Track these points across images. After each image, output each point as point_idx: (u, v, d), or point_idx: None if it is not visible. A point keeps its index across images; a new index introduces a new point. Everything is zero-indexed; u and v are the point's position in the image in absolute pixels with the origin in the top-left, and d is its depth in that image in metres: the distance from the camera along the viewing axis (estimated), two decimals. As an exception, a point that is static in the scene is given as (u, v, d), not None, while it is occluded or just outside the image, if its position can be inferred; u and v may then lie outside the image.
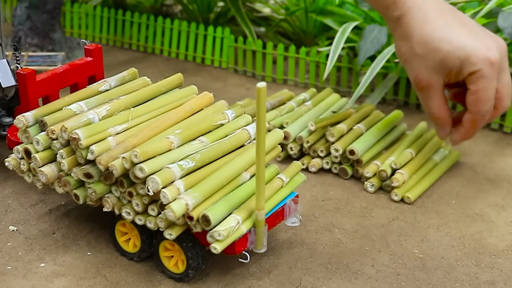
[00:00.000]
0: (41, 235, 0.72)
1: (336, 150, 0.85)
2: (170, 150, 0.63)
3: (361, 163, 0.84)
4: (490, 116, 0.78)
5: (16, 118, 0.67)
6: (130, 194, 0.62)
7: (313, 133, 0.88)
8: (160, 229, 0.62)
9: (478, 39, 0.75)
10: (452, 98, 0.83)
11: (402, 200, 0.81)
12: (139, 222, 0.63)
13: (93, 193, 0.64)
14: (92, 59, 0.79)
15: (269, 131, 0.74)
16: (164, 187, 0.59)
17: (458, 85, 0.80)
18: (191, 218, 0.60)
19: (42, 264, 0.67)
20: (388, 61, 1.07)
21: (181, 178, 0.61)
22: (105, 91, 0.73)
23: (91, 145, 0.62)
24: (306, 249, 0.71)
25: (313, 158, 0.88)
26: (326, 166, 0.87)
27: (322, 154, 0.87)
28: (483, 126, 0.79)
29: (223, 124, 0.69)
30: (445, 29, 0.75)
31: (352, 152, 0.84)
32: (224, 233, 0.59)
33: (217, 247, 0.59)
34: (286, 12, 1.32)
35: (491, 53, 0.74)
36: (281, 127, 0.91)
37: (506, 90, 0.77)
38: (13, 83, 0.81)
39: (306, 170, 0.87)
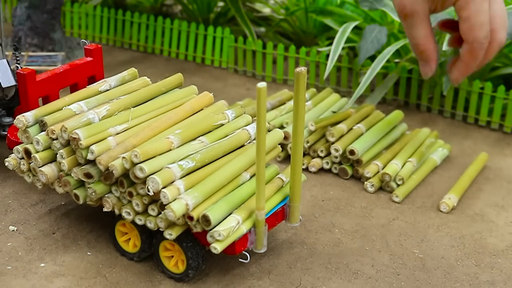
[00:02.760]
0: (41, 235, 0.72)
1: (336, 150, 0.85)
2: (170, 150, 0.63)
3: (361, 163, 0.84)
4: (488, 51, 0.74)
5: (16, 118, 0.67)
6: (130, 194, 0.62)
7: (313, 133, 0.88)
8: (160, 229, 0.62)
9: None
10: (441, 27, 0.78)
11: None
12: (139, 222, 0.63)
13: (93, 193, 0.64)
14: (92, 59, 0.79)
15: (269, 131, 0.74)
16: (164, 187, 0.59)
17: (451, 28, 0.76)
18: (191, 218, 0.60)
19: (42, 264, 0.67)
20: (388, 61, 1.07)
21: (181, 178, 0.61)
22: (105, 91, 0.73)
23: (91, 145, 0.62)
24: (306, 249, 0.71)
25: (313, 158, 0.88)
26: (326, 166, 0.87)
27: (322, 154, 0.87)
28: (483, 60, 0.74)
29: (223, 124, 0.69)
30: None
31: (352, 152, 0.84)
32: (224, 233, 0.59)
33: (217, 247, 0.59)
34: (286, 12, 1.32)
35: None
36: (281, 127, 0.91)
37: (500, 20, 0.73)
38: (13, 83, 0.81)
39: (306, 170, 0.87)
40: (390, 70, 1.08)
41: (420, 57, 0.75)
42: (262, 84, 0.56)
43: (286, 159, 0.90)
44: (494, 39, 0.73)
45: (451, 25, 0.75)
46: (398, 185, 0.83)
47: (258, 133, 0.58)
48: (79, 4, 1.36)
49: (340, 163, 0.86)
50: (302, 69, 0.59)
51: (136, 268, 0.67)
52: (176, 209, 0.58)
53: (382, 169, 0.84)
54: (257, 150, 0.59)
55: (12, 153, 0.69)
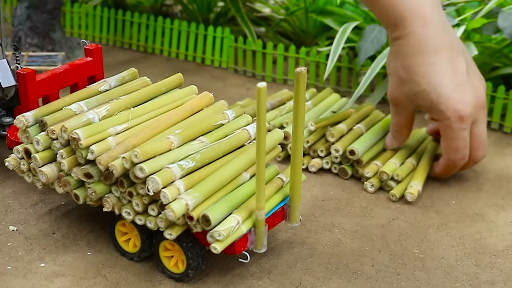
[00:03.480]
0: (41, 235, 0.72)
1: (336, 151, 0.85)
2: (170, 150, 0.63)
3: (361, 163, 0.84)
4: (465, 165, 0.82)
5: (16, 118, 0.67)
6: (130, 194, 0.62)
7: (313, 133, 0.88)
8: (160, 229, 0.62)
9: (458, 88, 0.76)
10: (432, 133, 0.89)
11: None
12: (139, 222, 0.63)
13: (93, 193, 0.64)
14: (92, 59, 0.79)
15: (269, 131, 0.74)
16: (164, 187, 0.59)
17: None
18: (191, 218, 0.60)
19: (42, 264, 0.67)
20: (388, 61, 1.07)
21: (181, 178, 0.61)
22: (105, 91, 0.73)
23: (91, 145, 0.62)
24: (306, 249, 0.71)
25: (313, 158, 0.88)
26: (326, 166, 0.87)
27: (322, 154, 0.87)
28: (460, 169, 0.84)
29: (223, 124, 0.69)
30: (431, 68, 0.77)
31: (352, 153, 0.84)
32: (224, 233, 0.59)
33: (217, 247, 0.59)
34: (286, 12, 1.32)
35: (462, 107, 0.76)
36: (281, 127, 0.91)
37: (478, 142, 0.80)
38: (13, 83, 0.81)
39: (306, 170, 0.87)
40: (390, 70, 1.08)
41: (392, 134, 0.86)
42: (262, 84, 0.56)
43: (286, 159, 0.90)
44: (471, 156, 0.81)
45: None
46: (398, 182, 0.83)
47: (258, 133, 0.58)
48: (79, 4, 1.36)
49: (340, 163, 0.86)
50: (302, 69, 0.59)
51: (136, 268, 0.67)
52: (176, 209, 0.58)
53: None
54: (257, 150, 0.59)
55: (12, 153, 0.69)
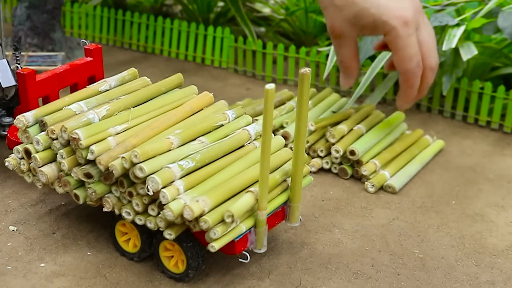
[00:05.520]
0: (41, 235, 0.72)
1: (337, 151, 0.85)
2: (170, 150, 0.63)
3: (361, 163, 0.85)
4: (423, 77, 0.79)
5: (16, 118, 0.67)
6: (130, 194, 0.62)
7: (313, 133, 0.88)
8: (160, 229, 0.62)
9: None
10: (378, 49, 0.85)
11: (382, 188, 0.83)
12: (139, 222, 0.63)
13: (93, 193, 0.64)
14: (92, 59, 0.79)
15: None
16: (164, 187, 0.59)
17: None
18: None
19: (42, 264, 0.67)
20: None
21: (181, 178, 0.61)
22: (105, 91, 0.73)
23: (91, 145, 0.62)
24: (306, 249, 0.71)
25: (313, 158, 0.88)
26: (326, 166, 0.87)
27: (322, 154, 0.87)
28: (422, 87, 0.80)
29: (223, 125, 0.69)
30: None
31: (352, 153, 0.84)
32: (219, 230, 0.59)
33: (214, 245, 0.59)
34: (286, 12, 1.32)
35: (404, 12, 0.75)
36: (281, 127, 0.91)
37: (427, 47, 0.78)
38: (13, 83, 0.81)
39: (306, 170, 0.87)
40: (390, 70, 1.08)
41: (342, 72, 0.82)
42: (270, 86, 0.56)
43: (286, 159, 0.90)
44: (424, 64, 0.79)
45: (388, 47, 0.81)
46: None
47: (264, 135, 0.58)
48: (79, 4, 1.36)
49: (340, 163, 0.86)
50: (306, 70, 0.59)
51: (136, 268, 0.67)
52: (174, 209, 0.58)
53: (380, 167, 0.85)
54: (261, 152, 0.59)
55: (12, 153, 0.69)
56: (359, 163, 0.85)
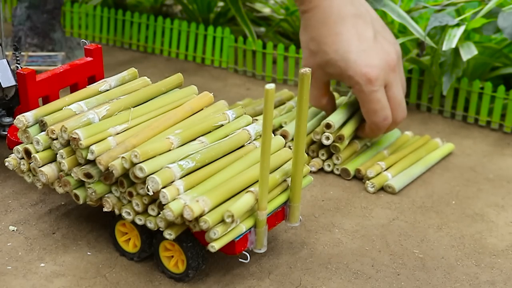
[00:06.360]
0: (41, 235, 0.72)
1: (338, 158, 0.85)
2: (170, 150, 0.63)
3: (343, 138, 0.83)
4: (389, 126, 0.84)
5: (16, 118, 0.67)
6: (130, 194, 0.62)
7: (313, 133, 0.88)
8: (160, 229, 0.62)
9: (364, 53, 0.80)
10: None
11: (382, 188, 0.83)
12: (139, 222, 0.63)
13: (93, 193, 0.64)
14: (92, 59, 0.79)
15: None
16: (164, 187, 0.59)
17: None
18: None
19: (42, 264, 0.67)
20: (388, 61, 1.06)
21: (181, 178, 0.61)
22: (105, 91, 0.73)
23: (91, 145, 0.62)
24: (306, 249, 0.71)
25: (312, 158, 0.88)
26: (328, 169, 0.86)
27: (323, 158, 0.87)
28: (386, 131, 0.86)
29: (223, 125, 0.69)
30: (337, 37, 0.81)
31: (328, 126, 0.84)
32: (219, 230, 0.59)
33: (214, 245, 0.59)
34: (286, 12, 1.32)
35: (369, 70, 0.79)
36: (280, 126, 0.91)
37: (395, 104, 0.83)
38: (13, 83, 0.81)
39: (306, 170, 0.87)
40: (390, 70, 1.08)
41: (316, 107, 0.89)
42: (270, 86, 0.56)
43: (286, 159, 0.89)
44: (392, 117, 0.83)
45: None
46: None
47: (264, 135, 0.58)
48: (79, 4, 1.36)
49: (337, 158, 0.86)
50: (306, 70, 0.59)
51: (136, 268, 0.67)
52: (174, 209, 0.58)
53: (385, 170, 0.84)
54: (261, 152, 0.59)
55: (12, 153, 0.69)
56: (341, 139, 0.84)
